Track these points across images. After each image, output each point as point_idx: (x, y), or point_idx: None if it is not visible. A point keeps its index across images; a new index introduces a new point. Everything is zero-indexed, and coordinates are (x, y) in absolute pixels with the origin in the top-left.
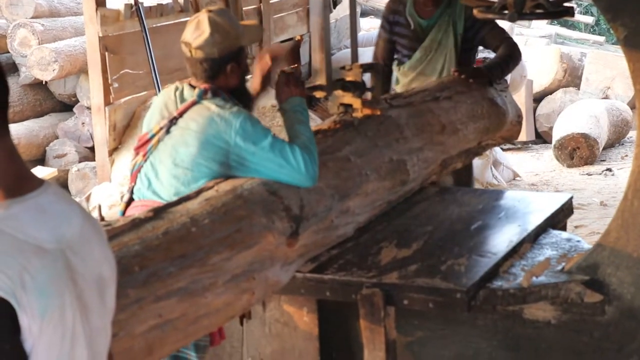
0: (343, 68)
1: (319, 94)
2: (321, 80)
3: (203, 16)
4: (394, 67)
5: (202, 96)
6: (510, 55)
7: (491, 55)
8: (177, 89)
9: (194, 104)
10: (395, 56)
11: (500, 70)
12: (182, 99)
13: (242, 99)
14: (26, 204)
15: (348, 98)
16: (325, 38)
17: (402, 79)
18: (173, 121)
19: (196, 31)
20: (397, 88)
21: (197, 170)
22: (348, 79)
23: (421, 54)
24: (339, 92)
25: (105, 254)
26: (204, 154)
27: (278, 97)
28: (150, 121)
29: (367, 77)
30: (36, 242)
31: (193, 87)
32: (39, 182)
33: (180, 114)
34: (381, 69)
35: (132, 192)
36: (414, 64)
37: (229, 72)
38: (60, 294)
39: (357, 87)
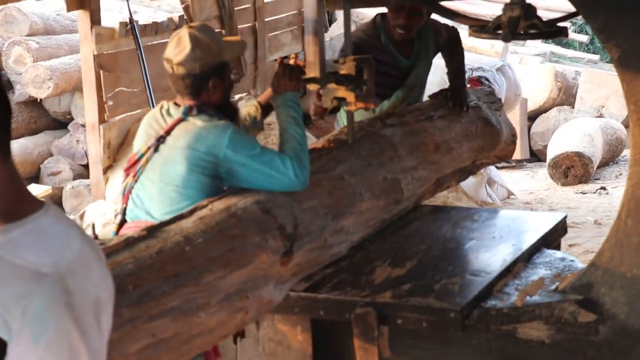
0: (337, 61)
1: (312, 87)
2: (314, 73)
3: (184, 32)
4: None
5: (187, 113)
6: (461, 50)
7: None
8: (162, 107)
9: (180, 121)
10: None
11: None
12: (169, 117)
13: (227, 113)
14: (26, 228)
15: (341, 91)
16: (319, 31)
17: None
18: (160, 140)
19: (177, 47)
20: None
21: (188, 187)
22: (342, 72)
23: (404, 93)
24: (332, 86)
25: (103, 277)
26: (194, 170)
27: (274, 87)
28: (138, 142)
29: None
30: (34, 266)
31: (178, 105)
32: (40, 204)
33: (167, 132)
34: (374, 63)
35: (124, 214)
36: (394, 102)
37: (211, 88)
38: (57, 319)
39: (350, 81)
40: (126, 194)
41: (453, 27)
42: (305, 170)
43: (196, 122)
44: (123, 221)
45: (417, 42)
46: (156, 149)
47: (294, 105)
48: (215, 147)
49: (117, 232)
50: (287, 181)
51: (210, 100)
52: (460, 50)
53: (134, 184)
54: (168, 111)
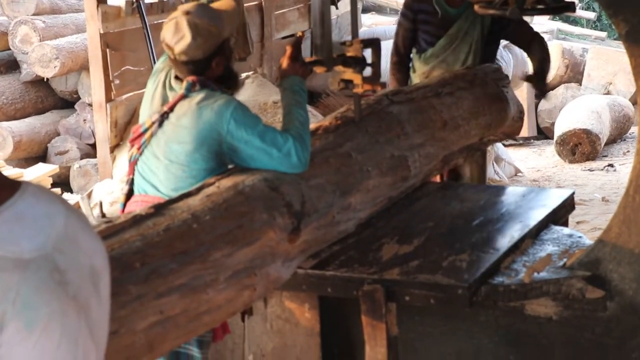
0: (344, 44)
1: (319, 70)
2: (321, 55)
3: (181, 18)
4: (413, 56)
5: (190, 89)
6: (548, 56)
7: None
8: (167, 76)
9: (182, 97)
10: (415, 46)
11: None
12: (172, 91)
13: (230, 83)
14: (2, 217)
15: (348, 74)
16: (326, 13)
17: (421, 67)
18: (164, 116)
19: (176, 35)
20: (414, 77)
21: (194, 164)
22: (348, 54)
23: (446, 42)
24: (339, 68)
25: (94, 243)
26: (198, 149)
27: (281, 70)
28: (143, 113)
29: (367, 53)
30: (15, 255)
31: (180, 79)
32: (15, 187)
33: (171, 109)
34: (380, 45)
35: (131, 184)
36: (437, 51)
37: (214, 66)
38: (49, 302)
39: (357, 63)
40: (131, 164)
41: (538, 34)
42: (307, 152)
43: (199, 99)
44: (130, 192)
45: None
46: (160, 125)
47: (300, 90)
48: (218, 123)
49: (124, 202)
50: (288, 161)
51: (213, 75)
52: (546, 56)
53: (138, 156)
54: (170, 83)
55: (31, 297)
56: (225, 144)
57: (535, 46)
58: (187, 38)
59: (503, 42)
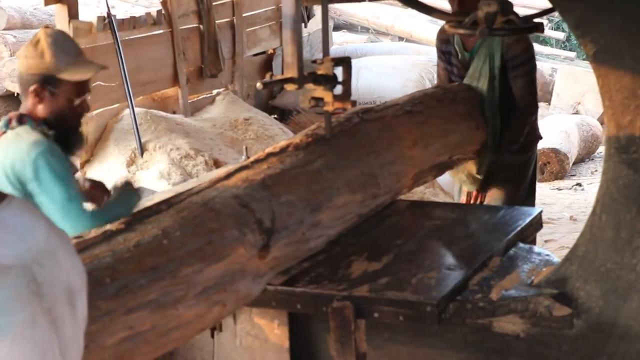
0: (315, 62)
1: (289, 87)
2: (292, 73)
3: (42, 32)
4: None
5: (7, 125)
6: (523, 122)
7: None
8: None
9: (3, 133)
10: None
11: (515, 140)
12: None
13: (61, 130)
14: None
15: (319, 92)
16: (297, 31)
17: None
18: None
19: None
20: None
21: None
22: (319, 72)
23: (467, 82)
24: (310, 86)
25: (73, 263)
26: (7, 183)
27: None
28: None
29: (338, 71)
30: None
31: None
32: (1, 197)
33: None
34: (351, 63)
35: None
36: None
37: (33, 94)
38: (22, 310)
39: (328, 81)
40: None
41: (528, 95)
42: (98, 224)
43: (13, 135)
44: None
45: (482, 39)
46: None
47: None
48: (23, 164)
49: None
50: (75, 224)
51: (36, 112)
52: (523, 107)
53: None
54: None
55: (7, 302)
56: (28, 186)
57: (516, 116)
58: (26, 46)
59: None
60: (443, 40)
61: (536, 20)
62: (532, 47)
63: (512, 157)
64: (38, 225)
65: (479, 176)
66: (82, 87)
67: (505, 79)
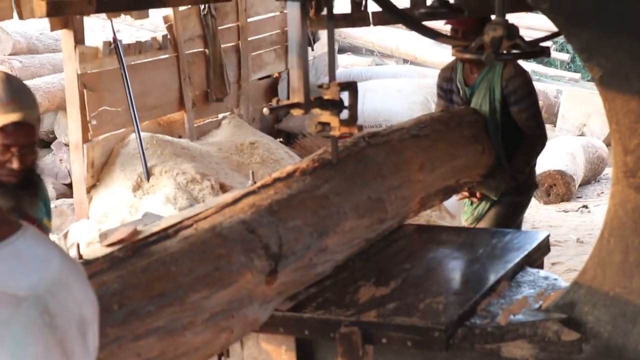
0: (321, 86)
1: (296, 112)
2: (299, 98)
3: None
4: None
5: None
6: (530, 152)
7: None
8: None
9: None
10: None
11: (521, 170)
12: None
13: None
14: (1, 252)
15: (325, 116)
16: (303, 55)
17: None
18: None
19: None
20: None
21: None
22: (326, 97)
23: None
24: (316, 111)
25: (86, 293)
26: None
27: None
28: None
29: (345, 96)
30: (11, 290)
31: None
32: (16, 227)
33: None
34: (357, 88)
35: None
36: None
37: None
38: (35, 342)
39: (334, 106)
40: None
41: (534, 126)
42: None
43: None
44: None
45: (483, 74)
46: None
47: None
48: None
49: None
50: None
51: None
52: (526, 150)
53: None
54: None
55: (20, 334)
56: None
57: (522, 145)
58: None
59: None
60: (445, 79)
61: (542, 44)
62: (531, 81)
63: (509, 197)
64: (52, 256)
65: (494, 198)
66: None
67: (507, 112)
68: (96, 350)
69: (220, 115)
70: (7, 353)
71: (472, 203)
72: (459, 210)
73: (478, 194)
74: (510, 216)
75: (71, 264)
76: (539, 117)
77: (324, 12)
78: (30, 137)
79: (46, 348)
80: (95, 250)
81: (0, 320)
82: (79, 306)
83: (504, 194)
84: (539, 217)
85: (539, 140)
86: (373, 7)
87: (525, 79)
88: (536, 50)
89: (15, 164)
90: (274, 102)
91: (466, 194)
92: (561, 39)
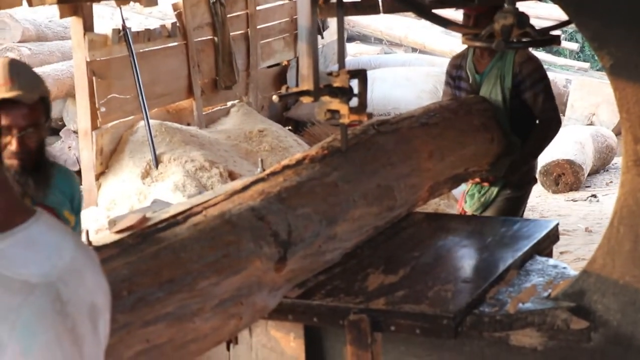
0: (330, 74)
1: (305, 100)
2: (308, 85)
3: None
4: None
5: None
6: (544, 136)
7: None
8: None
9: None
10: None
11: (534, 154)
12: None
13: None
14: (15, 238)
15: (335, 104)
16: (313, 43)
17: None
18: None
19: None
20: None
21: None
22: (335, 85)
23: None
24: (326, 98)
25: (99, 282)
26: None
27: None
28: None
29: (354, 83)
30: (23, 277)
31: None
32: (31, 212)
33: None
34: (367, 76)
35: None
36: None
37: None
38: (46, 330)
39: (344, 93)
40: None
41: (549, 110)
42: None
43: None
44: None
45: (494, 61)
46: None
47: None
48: None
49: None
50: None
51: None
52: (540, 135)
53: None
54: None
55: (31, 322)
56: None
57: (537, 129)
58: None
59: None
60: (455, 66)
61: (552, 32)
62: (542, 66)
63: (509, 192)
64: (65, 243)
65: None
66: None
67: (517, 101)
68: (107, 338)
69: (229, 103)
70: (17, 340)
71: (481, 188)
72: None
73: (491, 178)
74: (510, 211)
75: (85, 252)
76: (554, 101)
77: None
78: (28, 119)
79: (57, 336)
80: (104, 237)
81: (11, 307)
82: (90, 294)
83: (505, 186)
84: (548, 206)
85: (554, 125)
86: None
87: (537, 63)
88: (547, 39)
89: (14, 146)
90: (283, 90)
91: (477, 179)
92: (570, 28)
